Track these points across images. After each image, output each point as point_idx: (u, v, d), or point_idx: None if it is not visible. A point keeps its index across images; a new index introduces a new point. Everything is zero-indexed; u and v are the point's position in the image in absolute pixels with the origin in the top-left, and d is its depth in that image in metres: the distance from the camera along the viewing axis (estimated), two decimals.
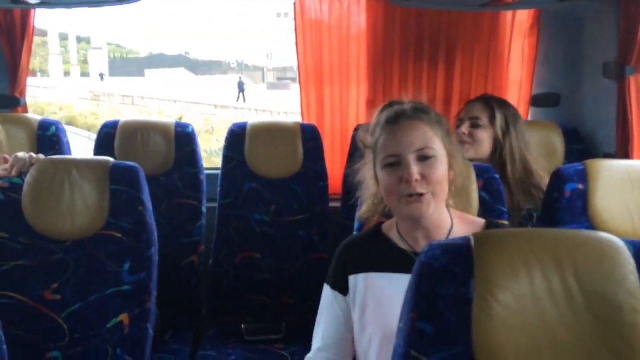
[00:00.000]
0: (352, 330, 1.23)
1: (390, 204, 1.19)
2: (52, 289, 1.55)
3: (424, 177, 1.14)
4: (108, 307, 1.55)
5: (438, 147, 1.16)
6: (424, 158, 1.15)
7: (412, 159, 1.14)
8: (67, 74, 21.72)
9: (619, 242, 0.80)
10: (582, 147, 2.17)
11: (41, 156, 1.60)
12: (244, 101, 17.82)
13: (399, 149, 1.15)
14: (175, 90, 19.31)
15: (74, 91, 19.01)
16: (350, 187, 1.41)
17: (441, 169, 1.16)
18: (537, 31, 2.43)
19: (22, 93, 2.33)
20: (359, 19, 2.48)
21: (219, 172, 2.32)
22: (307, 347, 1.28)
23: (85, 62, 23.60)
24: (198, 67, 25.65)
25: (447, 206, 1.23)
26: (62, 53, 21.43)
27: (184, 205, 2.26)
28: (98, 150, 2.22)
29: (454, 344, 0.79)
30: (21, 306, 1.53)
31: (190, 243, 2.25)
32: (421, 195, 1.13)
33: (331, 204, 2.34)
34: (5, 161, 1.57)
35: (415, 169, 1.13)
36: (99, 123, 2.53)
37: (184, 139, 2.26)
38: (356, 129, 2.34)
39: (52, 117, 2.39)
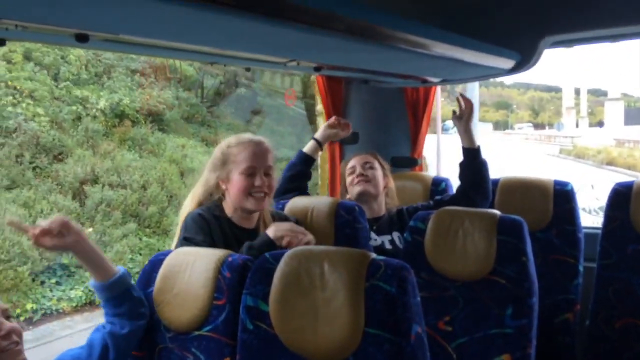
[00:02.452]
0: None
1: None
2: (444, 321, 1.82)
3: None
4: (491, 345, 1.72)
5: None
6: None
7: None
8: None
9: None
10: None
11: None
12: None
13: None
14: None
15: (596, 138, 22.18)
16: None
17: None
18: None
19: (419, 154, 2.80)
20: None
21: (598, 231, 2.27)
22: None
23: (591, 113, 26.29)
24: None
25: None
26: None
27: (560, 262, 2.28)
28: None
29: None
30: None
31: (565, 300, 2.25)
32: None
33: None
34: None
35: None
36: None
37: (563, 197, 2.31)
38: None
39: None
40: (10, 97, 8.87)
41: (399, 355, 1.16)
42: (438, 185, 2.56)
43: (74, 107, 9.26)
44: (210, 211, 1.76)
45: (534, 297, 1.73)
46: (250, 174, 1.74)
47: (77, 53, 9.64)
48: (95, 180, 8.02)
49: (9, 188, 7.94)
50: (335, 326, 1.21)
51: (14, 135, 8.54)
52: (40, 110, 8.90)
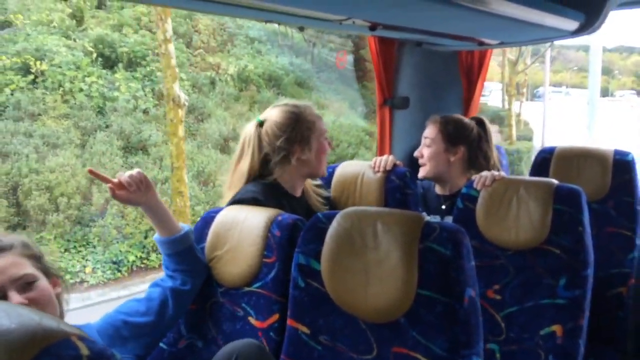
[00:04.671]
0: None
1: None
2: (494, 289, 1.79)
3: None
4: (542, 315, 1.69)
5: None
6: None
7: None
8: None
9: None
10: None
11: (502, 174, 1.85)
12: None
13: None
14: None
15: None
16: None
17: None
18: None
19: None
20: None
21: None
22: None
23: None
24: None
25: None
26: None
27: (616, 234, 2.20)
28: (533, 173, 2.39)
29: None
30: None
31: (619, 274, 2.18)
32: None
33: None
34: None
35: None
36: None
37: (622, 167, 2.22)
38: None
39: None
40: (158, 64, 9.86)
41: (451, 317, 1.15)
42: None
43: (208, 73, 10.57)
44: (269, 190, 1.71)
45: (589, 268, 1.67)
46: (325, 137, 1.80)
47: (204, 22, 10.57)
48: (236, 137, 8.94)
49: (165, 142, 9.06)
50: (387, 287, 1.20)
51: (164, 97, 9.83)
52: (183, 75, 9.94)
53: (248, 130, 1.78)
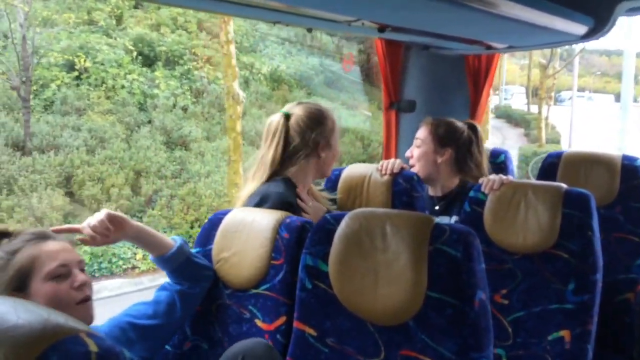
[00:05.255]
0: None
1: None
2: (501, 294, 1.78)
3: None
4: (550, 320, 1.68)
5: None
6: None
7: None
8: None
9: None
10: None
11: (510, 178, 1.84)
12: None
13: None
14: None
15: None
16: None
17: None
18: None
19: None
20: None
21: None
22: None
23: None
24: None
25: None
26: None
27: (623, 240, 2.19)
28: (541, 178, 2.38)
29: None
30: None
31: (626, 280, 2.16)
32: None
33: None
34: None
35: None
36: None
37: (630, 172, 2.20)
38: None
39: None
40: (194, 63, 10.87)
41: (461, 320, 1.14)
42: (496, 157, 2.49)
43: (242, 72, 10.94)
44: (291, 191, 1.72)
45: (597, 273, 1.66)
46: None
47: (237, 23, 11.09)
48: None
49: (207, 138, 10.01)
50: (396, 289, 1.19)
51: (203, 95, 10.70)
52: (219, 74, 10.61)
53: (274, 121, 1.75)
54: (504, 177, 1.82)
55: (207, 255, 1.57)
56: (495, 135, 16.20)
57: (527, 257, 1.75)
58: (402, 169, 1.99)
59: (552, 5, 1.72)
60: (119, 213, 1.40)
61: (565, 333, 1.65)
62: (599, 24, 2.01)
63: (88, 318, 1.21)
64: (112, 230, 1.36)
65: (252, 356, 1.19)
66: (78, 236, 1.37)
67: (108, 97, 9.94)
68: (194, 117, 10.25)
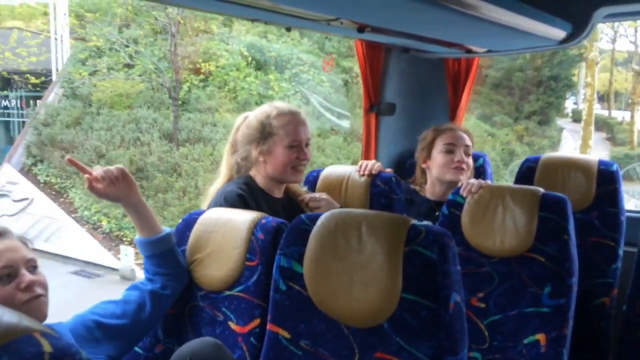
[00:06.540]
0: None
1: None
2: (478, 297, 1.77)
3: None
4: (526, 324, 1.67)
5: None
6: None
7: None
8: None
9: None
10: None
11: (489, 182, 1.84)
12: None
13: None
14: None
15: None
16: None
17: None
18: None
19: None
20: None
21: None
22: None
23: None
24: None
25: None
26: None
27: (599, 244, 2.20)
28: (518, 182, 2.39)
29: None
30: None
31: (602, 284, 2.18)
32: None
33: None
34: None
35: None
36: None
37: (607, 177, 2.22)
38: None
39: None
40: (301, 67, 12.13)
41: (436, 322, 1.13)
42: (475, 161, 2.49)
43: (342, 75, 12.25)
44: (247, 186, 1.72)
45: (573, 276, 1.67)
46: (294, 146, 1.72)
47: None
48: None
49: (318, 135, 11.22)
50: (371, 290, 1.17)
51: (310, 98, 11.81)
52: (323, 77, 12.00)
53: (237, 121, 1.81)
54: (482, 181, 1.82)
55: (182, 258, 1.54)
56: (576, 139, 16.01)
57: (504, 261, 1.74)
58: (380, 171, 1.98)
59: (531, 10, 1.73)
60: (131, 176, 1.44)
61: (541, 337, 1.65)
62: (577, 29, 2.03)
63: (40, 317, 1.17)
64: (119, 184, 1.39)
65: (200, 357, 1.16)
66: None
67: (233, 98, 11.44)
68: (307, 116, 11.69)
